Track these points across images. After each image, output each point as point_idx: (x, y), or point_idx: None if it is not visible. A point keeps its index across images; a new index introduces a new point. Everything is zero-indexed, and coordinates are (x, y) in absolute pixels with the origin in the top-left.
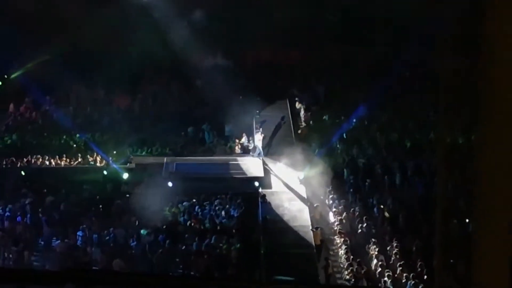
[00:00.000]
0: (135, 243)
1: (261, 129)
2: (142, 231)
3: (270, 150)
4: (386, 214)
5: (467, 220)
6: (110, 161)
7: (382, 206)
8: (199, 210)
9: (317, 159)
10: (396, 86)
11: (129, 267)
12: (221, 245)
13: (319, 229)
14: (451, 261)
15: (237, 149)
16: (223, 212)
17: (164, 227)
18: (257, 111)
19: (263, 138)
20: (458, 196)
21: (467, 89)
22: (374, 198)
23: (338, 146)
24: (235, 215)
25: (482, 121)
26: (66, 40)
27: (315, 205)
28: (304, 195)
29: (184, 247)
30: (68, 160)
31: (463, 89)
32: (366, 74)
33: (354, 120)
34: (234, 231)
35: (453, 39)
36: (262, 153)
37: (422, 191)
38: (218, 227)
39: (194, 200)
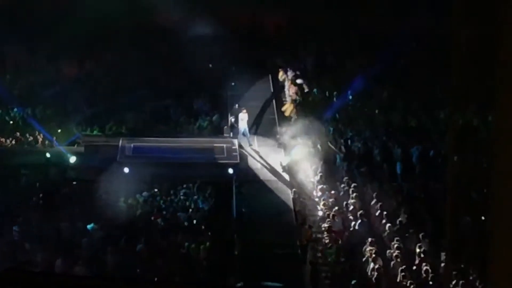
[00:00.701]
0: (83, 239)
1: (242, 107)
2: (89, 226)
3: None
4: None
5: (482, 217)
6: (54, 142)
7: (380, 200)
8: (161, 201)
9: (304, 142)
10: (399, 57)
11: (76, 268)
12: (187, 243)
13: (310, 227)
14: (462, 266)
15: (208, 129)
16: (190, 205)
17: (119, 221)
18: (232, 83)
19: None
20: (472, 188)
21: (484, 61)
22: (371, 190)
23: (329, 127)
24: (205, 208)
25: (502, 99)
26: None
27: (301, 198)
28: (288, 185)
29: (142, 245)
30: (2, 139)
31: (479, 62)
32: (363, 42)
33: (349, 97)
34: (203, 227)
35: (469, 1)
36: (248, 135)
37: (429, 182)
38: (184, 223)
39: (155, 190)
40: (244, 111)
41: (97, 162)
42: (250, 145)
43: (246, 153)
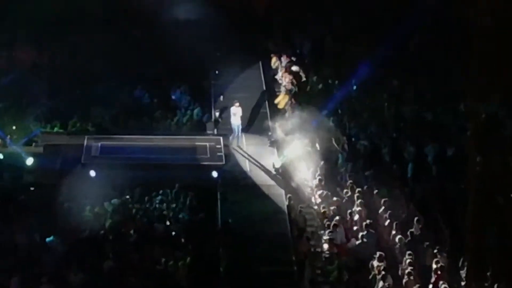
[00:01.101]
0: (43, 255)
1: (235, 99)
2: (49, 239)
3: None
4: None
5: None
6: (8, 140)
7: (389, 208)
8: (133, 210)
9: (300, 140)
10: (411, 40)
11: None
12: (164, 259)
13: (308, 240)
14: (486, 285)
15: (189, 125)
16: (168, 214)
17: (84, 233)
18: (216, 71)
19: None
20: (497, 192)
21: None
22: (378, 195)
23: (329, 121)
24: (185, 217)
25: None
26: None
27: (297, 206)
28: (282, 191)
29: (112, 262)
30: None
31: (504, 45)
32: (369, 21)
33: (353, 86)
34: (182, 240)
35: None
36: (239, 136)
37: (446, 186)
38: (161, 235)
39: (127, 197)
40: (237, 104)
41: (59, 164)
42: (238, 145)
43: (233, 153)
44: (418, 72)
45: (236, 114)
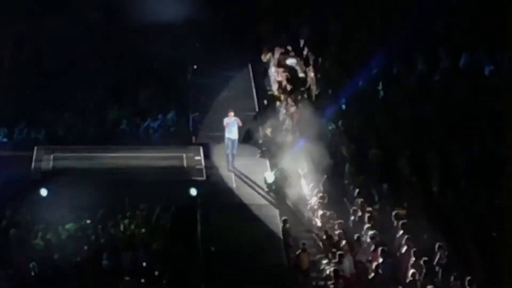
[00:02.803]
0: None
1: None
2: None
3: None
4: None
5: None
6: None
7: (408, 232)
8: (93, 236)
9: (298, 148)
10: (435, 22)
11: None
12: None
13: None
14: None
15: (161, 132)
16: (136, 240)
17: (32, 265)
18: (195, 66)
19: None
20: None
21: None
22: (395, 215)
23: (333, 124)
24: (156, 247)
25: None
26: None
27: (294, 230)
28: (275, 211)
29: None
30: None
31: None
32: (382, 2)
33: (361, 82)
34: (156, 272)
35: None
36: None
37: (478, 202)
38: (128, 268)
39: (88, 221)
40: (232, 113)
41: (2, 181)
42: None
43: (215, 165)
44: (440, 63)
45: (230, 126)
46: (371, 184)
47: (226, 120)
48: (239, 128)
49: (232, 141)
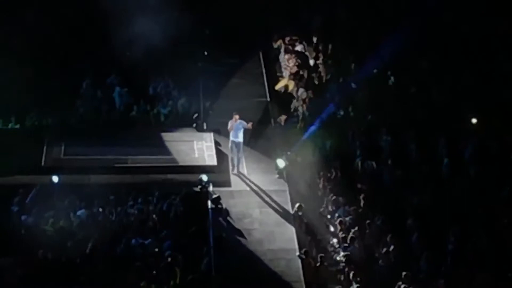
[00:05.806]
0: None
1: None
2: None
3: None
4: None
5: None
6: None
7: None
8: (104, 224)
9: (309, 135)
10: (447, 11)
11: None
12: (143, 283)
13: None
14: None
15: (172, 118)
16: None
17: (43, 253)
18: (205, 52)
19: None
20: None
21: None
22: (406, 205)
23: (344, 112)
24: (167, 233)
25: None
26: None
27: (304, 222)
28: (287, 197)
29: None
30: None
31: None
32: None
33: (375, 70)
34: (168, 260)
35: None
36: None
37: (487, 192)
38: (139, 255)
39: (100, 209)
40: (237, 116)
41: (14, 167)
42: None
43: (226, 152)
44: (454, 50)
45: (235, 129)
46: (382, 172)
47: (230, 123)
48: (245, 132)
49: (237, 144)
